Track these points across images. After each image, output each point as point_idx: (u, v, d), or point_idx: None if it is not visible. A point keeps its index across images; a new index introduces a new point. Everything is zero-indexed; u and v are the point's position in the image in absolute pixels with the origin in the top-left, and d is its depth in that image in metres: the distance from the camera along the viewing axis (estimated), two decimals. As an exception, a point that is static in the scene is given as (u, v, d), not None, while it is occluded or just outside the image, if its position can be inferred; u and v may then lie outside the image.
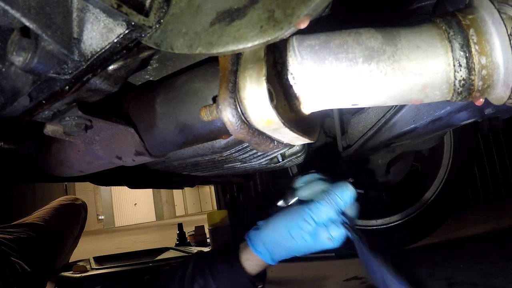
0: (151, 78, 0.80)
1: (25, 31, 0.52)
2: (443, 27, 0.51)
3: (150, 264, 1.97)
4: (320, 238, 0.77)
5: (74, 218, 2.09)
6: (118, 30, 0.53)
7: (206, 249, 3.14)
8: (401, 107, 1.10)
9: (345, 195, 0.77)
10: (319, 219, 0.76)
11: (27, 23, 0.48)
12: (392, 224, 1.89)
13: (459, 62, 0.50)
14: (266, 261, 0.82)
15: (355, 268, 1.81)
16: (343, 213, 0.78)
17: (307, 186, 0.84)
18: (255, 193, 2.61)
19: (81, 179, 1.30)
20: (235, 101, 0.53)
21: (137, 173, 1.23)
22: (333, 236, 0.76)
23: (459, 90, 0.51)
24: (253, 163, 0.88)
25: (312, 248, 0.79)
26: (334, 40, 0.54)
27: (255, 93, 0.51)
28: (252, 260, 0.83)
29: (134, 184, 1.34)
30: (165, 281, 0.91)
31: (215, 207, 4.25)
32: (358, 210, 0.82)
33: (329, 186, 0.80)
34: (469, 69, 0.49)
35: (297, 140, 0.62)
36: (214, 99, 0.65)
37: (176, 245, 3.28)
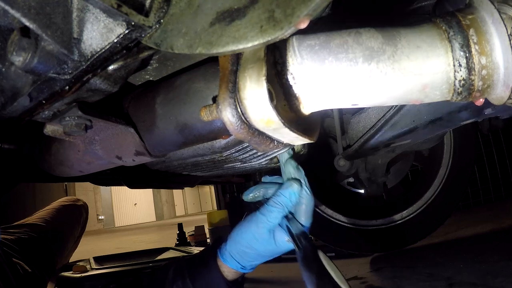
0: (151, 78, 0.80)
1: (25, 31, 0.52)
2: (443, 27, 0.51)
3: (150, 264, 1.97)
4: (278, 241, 0.78)
5: (75, 219, 2.09)
6: (118, 30, 0.53)
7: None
8: (401, 107, 1.10)
9: (289, 194, 0.75)
10: (270, 224, 0.76)
11: (27, 23, 0.48)
12: (392, 224, 1.89)
13: (459, 62, 0.50)
14: (237, 270, 0.84)
15: (355, 268, 1.81)
16: (288, 216, 0.77)
17: (264, 190, 0.85)
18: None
19: (81, 179, 1.30)
20: (235, 101, 0.53)
21: (137, 173, 1.23)
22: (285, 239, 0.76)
23: (459, 90, 0.51)
24: (253, 163, 0.88)
25: (276, 251, 0.80)
26: (334, 40, 0.54)
27: (255, 93, 0.51)
28: (225, 268, 0.85)
29: (134, 184, 1.34)
30: (146, 282, 0.92)
31: (215, 207, 4.25)
32: (310, 212, 0.78)
33: (278, 188, 0.79)
34: (469, 69, 0.49)
35: (297, 140, 0.62)
36: (214, 99, 0.65)
37: (176, 245, 3.28)
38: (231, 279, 0.86)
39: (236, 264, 0.83)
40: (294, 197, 0.76)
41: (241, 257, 0.82)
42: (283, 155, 0.81)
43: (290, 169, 0.79)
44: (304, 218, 0.78)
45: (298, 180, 0.77)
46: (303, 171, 0.79)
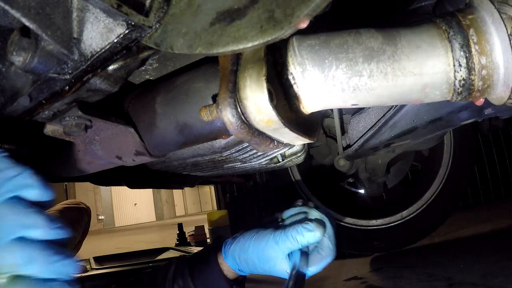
0: (151, 78, 0.80)
1: (25, 31, 0.52)
2: (443, 27, 0.51)
3: (150, 264, 1.97)
4: (278, 266, 0.77)
5: (77, 222, 2.09)
6: (118, 30, 0.53)
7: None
8: (401, 107, 1.10)
9: (310, 238, 0.74)
10: (278, 251, 0.76)
11: (27, 23, 0.48)
12: (392, 224, 1.89)
13: (459, 62, 0.50)
14: (236, 271, 0.85)
15: (355, 268, 1.81)
16: (302, 250, 0.77)
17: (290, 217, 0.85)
18: (255, 193, 2.61)
19: (81, 179, 1.30)
20: (235, 101, 0.53)
21: (137, 173, 1.23)
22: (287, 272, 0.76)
23: (459, 90, 0.51)
24: (253, 163, 0.88)
25: (272, 273, 0.80)
26: (334, 40, 0.54)
27: (255, 93, 0.51)
28: (225, 266, 0.86)
29: (134, 184, 1.34)
30: (147, 282, 0.93)
31: (215, 207, 4.25)
32: (324, 265, 0.78)
33: (297, 224, 0.77)
34: (469, 69, 0.50)
35: (297, 140, 0.62)
36: (214, 99, 0.65)
37: (176, 245, 3.28)
38: (231, 277, 0.86)
39: (235, 266, 0.84)
40: (312, 241, 0.75)
41: (241, 262, 0.82)
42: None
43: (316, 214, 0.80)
44: (315, 266, 0.77)
45: (324, 228, 0.76)
46: (329, 224, 0.79)
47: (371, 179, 1.79)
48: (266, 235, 0.79)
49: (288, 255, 0.77)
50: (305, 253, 0.77)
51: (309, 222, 0.75)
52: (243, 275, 0.89)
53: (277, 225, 0.85)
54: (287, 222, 0.84)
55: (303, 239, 0.74)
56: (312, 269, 0.77)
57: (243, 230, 0.86)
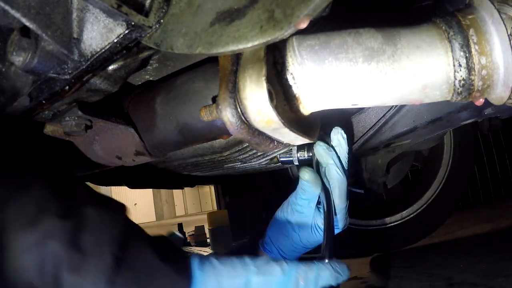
0: (151, 78, 0.80)
1: (25, 31, 0.52)
2: (443, 27, 0.51)
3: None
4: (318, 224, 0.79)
5: None
6: (118, 30, 0.53)
7: (206, 249, 3.14)
8: (401, 107, 1.10)
9: (307, 184, 0.76)
10: (308, 218, 0.78)
11: (27, 23, 0.48)
12: (392, 224, 1.89)
13: (459, 62, 0.50)
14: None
15: (355, 268, 1.81)
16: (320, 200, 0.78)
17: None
18: (255, 193, 2.61)
19: (81, 179, 1.30)
20: (235, 101, 0.53)
21: (137, 173, 1.23)
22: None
23: (459, 90, 0.51)
24: (253, 163, 0.88)
25: (315, 239, 0.80)
26: (334, 40, 0.54)
27: (255, 93, 0.51)
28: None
29: (134, 184, 1.34)
30: None
31: (215, 207, 4.26)
32: (344, 193, 0.77)
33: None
34: (469, 69, 0.49)
35: (297, 140, 0.62)
36: (214, 99, 0.65)
37: (176, 245, 3.28)
38: None
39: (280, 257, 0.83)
40: (312, 185, 0.75)
41: (286, 248, 0.82)
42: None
43: (321, 151, 0.75)
44: (339, 200, 0.76)
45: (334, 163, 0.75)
46: (333, 152, 0.76)
47: (371, 179, 1.79)
48: (291, 218, 0.79)
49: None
50: (328, 196, 0.76)
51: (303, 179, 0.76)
52: None
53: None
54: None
55: (308, 189, 0.75)
56: (338, 203, 0.76)
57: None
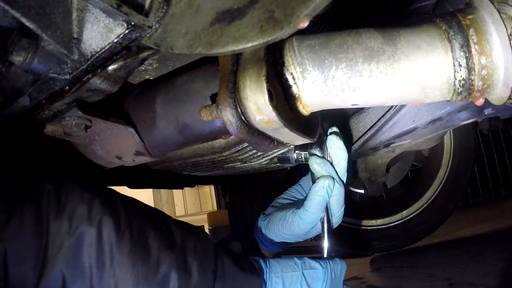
0: (151, 78, 0.80)
1: (25, 31, 0.53)
2: (443, 27, 0.51)
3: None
4: (318, 228, 0.84)
5: None
6: (118, 30, 0.53)
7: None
8: (401, 107, 1.10)
9: (325, 193, 0.78)
10: (313, 223, 0.81)
11: (27, 23, 0.48)
12: (392, 224, 1.89)
13: (459, 62, 0.50)
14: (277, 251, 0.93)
15: (355, 268, 1.81)
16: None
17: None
18: (255, 193, 2.61)
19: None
20: (235, 101, 0.53)
21: (137, 173, 1.23)
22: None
23: (459, 90, 0.51)
24: (253, 163, 0.88)
25: (314, 235, 0.86)
26: (334, 40, 0.54)
27: (255, 93, 0.51)
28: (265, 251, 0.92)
29: (134, 184, 1.34)
30: None
31: (215, 207, 4.26)
32: (342, 202, 0.82)
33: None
34: (469, 69, 0.49)
35: (297, 140, 0.62)
36: (214, 99, 0.65)
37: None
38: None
39: (275, 249, 0.91)
40: (329, 193, 0.78)
41: (282, 244, 0.89)
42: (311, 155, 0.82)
43: (315, 167, 0.79)
44: (336, 208, 0.82)
45: (329, 176, 0.78)
46: (330, 165, 0.79)
47: (371, 179, 1.79)
48: (293, 218, 0.82)
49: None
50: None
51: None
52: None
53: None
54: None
55: (321, 200, 0.78)
56: (336, 211, 0.82)
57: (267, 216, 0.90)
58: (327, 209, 0.81)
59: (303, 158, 0.83)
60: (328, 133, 0.80)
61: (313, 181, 0.80)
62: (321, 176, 0.78)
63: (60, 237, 0.53)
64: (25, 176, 0.56)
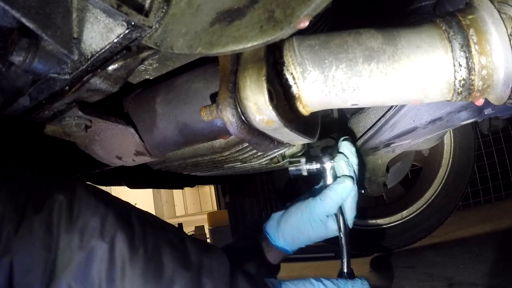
0: (151, 78, 0.80)
1: (25, 31, 0.52)
2: (443, 27, 0.51)
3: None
4: (329, 227, 0.85)
5: None
6: (118, 30, 0.53)
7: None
8: (401, 107, 1.10)
9: (342, 190, 0.81)
10: (325, 214, 0.83)
11: (27, 23, 0.48)
12: (392, 224, 1.89)
13: (459, 62, 0.50)
14: (286, 253, 0.91)
15: (355, 268, 1.81)
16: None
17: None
18: (255, 193, 2.61)
19: (81, 179, 1.30)
20: (235, 101, 0.53)
21: (137, 173, 1.23)
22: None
23: (459, 90, 0.51)
24: (253, 163, 0.88)
25: (324, 236, 0.87)
26: (334, 40, 0.54)
27: (255, 93, 0.51)
28: (273, 253, 0.90)
29: (134, 184, 1.34)
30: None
31: (215, 207, 4.26)
32: (356, 205, 0.84)
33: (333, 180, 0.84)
34: (469, 69, 0.49)
35: (297, 140, 0.62)
36: (214, 99, 0.65)
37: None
38: (274, 264, 0.90)
39: (286, 247, 0.89)
40: (346, 193, 0.81)
41: (292, 240, 0.88)
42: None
43: (343, 165, 0.82)
44: (350, 211, 0.84)
45: (350, 177, 0.82)
46: (354, 168, 0.83)
47: (371, 179, 1.79)
48: (306, 207, 0.84)
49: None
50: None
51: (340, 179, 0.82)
52: (281, 260, 0.94)
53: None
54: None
55: (338, 195, 0.81)
56: (349, 214, 0.84)
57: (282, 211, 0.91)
58: (342, 214, 0.83)
59: (314, 168, 0.86)
60: (341, 140, 0.85)
61: (325, 185, 0.84)
62: (342, 175, 0.82)
63: (70, 251, 0.51)
64: (38, 184, 0.54)
